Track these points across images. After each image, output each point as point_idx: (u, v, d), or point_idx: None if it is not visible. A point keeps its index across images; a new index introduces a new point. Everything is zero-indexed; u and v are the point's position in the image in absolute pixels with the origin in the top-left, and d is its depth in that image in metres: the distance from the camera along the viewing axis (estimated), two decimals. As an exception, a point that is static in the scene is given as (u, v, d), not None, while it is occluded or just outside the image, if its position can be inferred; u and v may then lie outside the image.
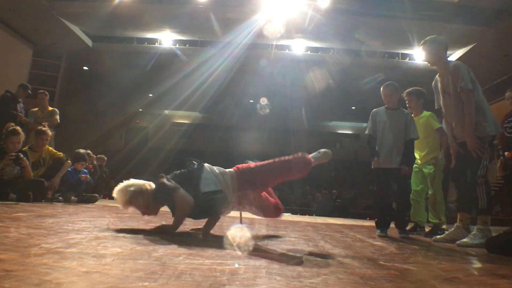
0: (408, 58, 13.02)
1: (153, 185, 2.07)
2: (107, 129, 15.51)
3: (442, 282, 1.22)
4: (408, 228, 3.20)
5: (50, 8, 10.57)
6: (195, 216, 2.15)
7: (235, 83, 13.86)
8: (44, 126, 4.43)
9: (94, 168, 6.15)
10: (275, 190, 2.50)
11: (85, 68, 15.19)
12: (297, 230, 3.03)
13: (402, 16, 10.05)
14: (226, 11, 10.82)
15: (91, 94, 14.69)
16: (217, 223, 2.27)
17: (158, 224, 2.50)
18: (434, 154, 3.65)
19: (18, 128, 3.89)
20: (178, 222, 2.04)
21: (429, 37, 2.92)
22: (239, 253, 1.48)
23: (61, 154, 4.38)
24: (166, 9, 11.08)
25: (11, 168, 3.70)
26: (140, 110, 18.28)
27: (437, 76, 2.95)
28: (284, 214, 2.48)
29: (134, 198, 1.98)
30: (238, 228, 2.42)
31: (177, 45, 13.17)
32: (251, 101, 16.99)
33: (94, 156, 6.41)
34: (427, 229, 3.60)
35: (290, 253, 1.62)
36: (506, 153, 3.73)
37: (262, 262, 1.30)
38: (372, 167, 3.22)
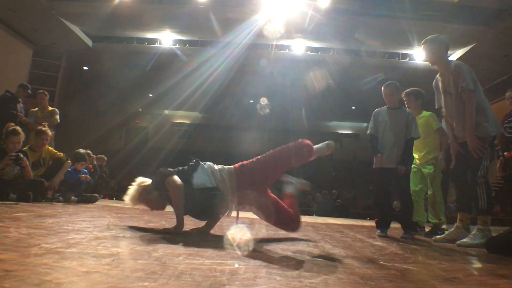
0: (408, 58, 13.03)
1: None
2: (107, 129, 15.51)
3: (442, 282, 1.22)
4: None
5: (50, 8, 10.57)
6: (196, 215, 2.15)
7: (235, 83, 13.86)
8: (44, 126, 4.43)
9: (94, 168, 6.15)
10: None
11: (85, 68, 15.20)
12: (297, 230, 3.02)
13: (402, 16, 10.04)
14: (226, 11, 10.82)
15: (91, 94, 14.69)
16: (217, 223, 2.27)
17: (158, 224, 2.50)
18: (434, 154, 3.65)
19: (18, 128, 3.89)
20: (178, 215, 2.03)
21: (429, 36, 2.91)
22: (239, 253, 1.48)
23: (61, 154, 4.38)
24: (166, 9, 11.09)
25: (11, 168, 3.70)
26: (140, 110, 18.29)
27: (437, 75, 2.94)
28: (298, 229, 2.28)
29: (139, 196, 2.10)
30: (238, 228, 2.42)
31: (177, 45, 13.17)
32: (251, 101, 17.00)
33: (94, 156, 6.41)
34: (427, 229, 3.60)
35: (290, 253, 1.61)
36: (505, 153, 3.73)
37: (262, 262, 1.30)
38: (373, 166, 3.22)
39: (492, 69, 10.97)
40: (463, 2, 9.70)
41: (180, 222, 2.02)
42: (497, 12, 9.68)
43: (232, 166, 2.18)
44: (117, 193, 9.24)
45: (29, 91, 5.84)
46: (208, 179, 2.05)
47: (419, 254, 1.99)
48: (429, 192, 3.62)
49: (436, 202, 3.59)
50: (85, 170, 4.94)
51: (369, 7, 10.36)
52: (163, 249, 1.42)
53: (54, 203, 3.91)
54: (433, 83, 3.00)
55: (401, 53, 13.01)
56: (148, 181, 2.17)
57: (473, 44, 10.82)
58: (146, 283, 0.88)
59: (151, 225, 2.39)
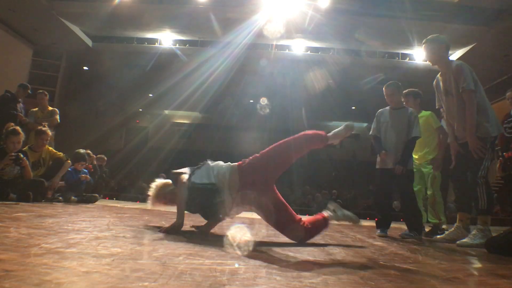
0: (408, 58, 13.02)
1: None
2: (107, 129, 15.50)
3: (442, 282, 1.22)
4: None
5: (50, 8, 10.57)
6: (202, 214, 2.17)
7: (235, 83, 13.85)
8: (44, 126, 4.43)
9: (94, 168, 6.15)
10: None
11: (85, 68, 15.19)
12: (297, 230, 3.02)
13: (402, 16, 10.04)
14: (226, 11, 10.82)
15: (91, 94, 14.68)
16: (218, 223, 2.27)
17: (158, 224, 2.50)
18: (434, 154, 3.65)
19: (18, 128, 3.89)
20: (178, 212, 2.05)
21: (430, 36, 2.90)
22: (239, 253, 1.48)
23: (61, 154, 4.38)
24: (166, 9, 11.08)
25: (11, 168, 3.70)
26: (140, 110, 18.28)
27: (438, 75, 2.93)
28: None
29: (159, 191, 2.25)
30: (238, 228, 2.42)
31: (177, 45, 13.17)
32: (251, 101, 16.99)
33: (94, 156, 6.42)
34: (427, 229, 3.60)
35: (290, 253, 1.61)
36: (504, 154, 3.74)
37: (262, 262, 1.30)
38: (376, 166, 3.22)
39: (492, 69, 10.96)
40: (463, 2, 9.69)
41: (178, 219, 2.03)
42: (497, 12, 9.67)
43: (235, 164, 2.16)
44: (117, 193, 9.25)
45: (29, 91, 5.84)
46: (207, 176, 2.05)
47: (419, 254, 1.99)
48: (429, 192, 3.61)
49: (436, 202, 3.59)
50: (85, 170, 4.94)
51: (369, 7, 10.35)
52: (163, 249, 1.42)
53: (54, 203, 3.91)
54: (434, 83, 2.99)
55: (401, 53, 13.01)
56: (167, 181, 2.30)
57: (473, 44, 10.82)
58: (146, 283, 0.88)
59: (151, 225, 2.39)
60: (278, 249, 1.70)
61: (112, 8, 10.64)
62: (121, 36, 13.14)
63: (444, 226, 3.64)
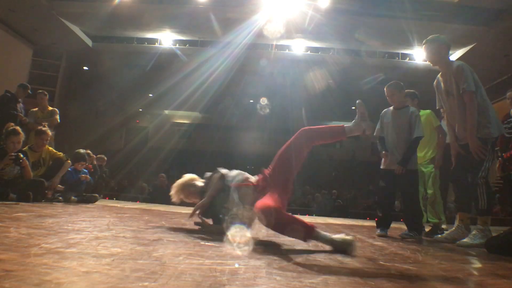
0: (408, 58, 13.02)
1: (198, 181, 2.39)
2: (107, 129, 15.50)
3: (442, 282, 1.22)
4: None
5: (50, 8, 10.56)
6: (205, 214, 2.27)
7: (235, 83, 13.85)
8: (44, 126, 4.43)
9: (94, 168, 6.15)
10: None
11: (85, 68, 15.19)
12: (297, 230, 3.02)
13: (402, 16, 10.03)
14: (226, 11, 10.81)
15: (91, 94, 14.68)
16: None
17: (158, 224, 2.50)
18: (435, 153, 3.65)
19: (18, 128, 3.89)
20: (208, 195, 2.19)
21: (430, 36, 2.89)
22: (239, 253, 1.48)
23: (61, 154, 4.38)
24: (166, 9, 11.08)
25: (11, 168, 3.70)
26: (140, 110, 18.28)
27: (439, 75, 2.91)
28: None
29: (184, 185, 2.39)
30: (238, 228, 2.42)
31: (177, 45, 13.17)
32: (251, 101, 16.99)
33: (94, 156, 6.42)
34: (427, 229, 3.60)
35: (290, 253, 1.61)
36: (503, 154, 3.74)
37: (262, 262, 1.30)
38: (381, 166, 3.23)
39: (492, 69, 10.96)
40: (463, 2, 9.69)
41: (207, 198, 2.18)
42: (497, 12, 9.67)
43: (252, 183, 2.13)
44: (117, 193, 9.25)
45: (29, 91, 5.84)
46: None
47: (419, 254, 1.99)
48: (430, 192, 3.61)
49: (436, 202, 3.59)
50: (85, 170, 4.94)
51: (369, 7, 10.35)
52: (163, 249, 1.42)
53: (54, 203, 3.91)
54: (434, 83, 2.98)
55: (401, 53, 13.00)
56: (194, 176, 2.43)
57: (473, 44, 10.81)
58: (146, 283, 0.88)
59: (151, 225, 2.39)
60: (278, 249, 1.70)
61: (112, 8, 10.63)
62: (121, 36, 13.14)
63: (444, 226, 3.64)
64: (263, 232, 2.58)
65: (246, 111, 17.18)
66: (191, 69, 12.70)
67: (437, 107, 3.05)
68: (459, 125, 2.76)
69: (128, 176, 13.15)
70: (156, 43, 13.26)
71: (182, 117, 19.39)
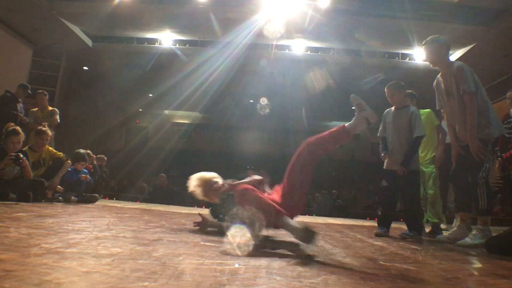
0: (408, 58, 13.02)
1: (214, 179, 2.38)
2: (107, 129, 15.51)
3: (442, 282, 1.22)
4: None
5: (50, 8, 10.57)
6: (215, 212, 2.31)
7: (235, 83, 13.86)
8: (44, 126, 4.43)
9: (94, 168, 6.14)
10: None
11: (85, 68, 15.20)
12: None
13: (402, 16, 10.04)
14: (226, 11, 10.82)
15: (91, 94, 14.69)
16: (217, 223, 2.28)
17: (158, 224, 2.50)
18: (434, 153, 3.65)
19: (18, 128, 3.88)
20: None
21: (430, 37, 2.89)
22: (239, 253, 1.48)
23: (61, 154, 4.38)
24: (166, 9, 11.08)
25: (11, 168, 3.70)
26: (140, 110, 18.28)
27: (439, 75, 2.91)
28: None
29: (208, 180, 2.34)
30: (238, 228, 2.42)
31: (177, 45, 13.17)
32: (251, 101, 17.00)
33: (94, 156, 6.41)
34: (427, 229, 3.60)
35: (290, 253, 1.61)
36: (503, 154, 3.74)
37: (262, 262, 1.30)
38: (384, 167, 3.25)
39: (492, 69, 10.96)
40: (463, 2, 9.69)
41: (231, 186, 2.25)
42: (497, 12, 9.67)
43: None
44: (117, 193, 9.25)
45: (29, 91, 5.84)
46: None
47: (419, 254, 1.99)
48: (431, 192, 3.60)
49: (436, 202, 3.59)
50: (85, 170, 4.94)
51: (369, 7, 10.35)
52: (163, 249, 1.42)
53: (54, 203, 3.91)
54: (434, 83, 2.97)
55: (401, 53, 13.01)
56: (214, 174, 2.40)
57: (473, 44, 10.82)
58: (146, 283, 0.88)
59: (151, 225, 2.39)
60: (278, 249, 1.70)
61: (112, 8, 10.64)
62: (121, 36, 13.15)
63: (443, 226, 3.64)
64: (263, 232, 2.58)
65: (246, 111, 17.18)
66: (191, 69, 12.71)
67: (437, 108, 3.05)
68: (459, 125, 2.75)
69: (128, 176, 13.15)
70: (156, 43, 13.26)
71: (182, 117, 19.40)
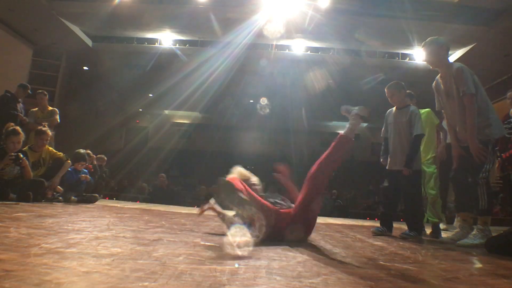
0: (408, 58, 13.02)
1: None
2: (107, 129, 15.50)
3: (442, 282, 1.22)
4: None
5: (50, 8, 10.57)
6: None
7: (235, 83, 13.86)
8: (44, 126, 4.43)
9: (94, 168, 6.15)
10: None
11: (85, 68, 15.20)
12: (297, 230, 3.02)
13: (402, 16, 10.03)
14: (226, 11, 10.82)
15: (91, 94, 14.68)
16: (217, 223, 2.27)
17: (158, 224, 2.50)
18: (435, 153, 3.65)
19: (18, 128, 3.88)
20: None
21: (429, 38, 2.88)
22: (239, 253, 1.48)
23: (61, 154, 4.38)
24: (166, 9, 11.08)
25: (11, 168, 3.70)
26: (140, 110, 18.28)
27: (438, 77, 2.91)
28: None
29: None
30: (238, 228, 2.42)
31: (177, 45, 13.17)
32: (251, 101, 16.99)
33: (94, 156, 6.41)
34: (428, 230, 3.59)
35: (290, 253, 1.61)
36: (502, 154, 3.73)
37: (262, 262, 1.30)
38: (386, 167, 3.26)
39: (492, 69, 10.95)
40: (463, 2, 9.69)
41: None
42: (497, 12, 9.67)
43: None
44: (117, 193, 9.25)
45: (29, 91, 5.84)
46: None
47: (419, 254, 1.99)
48: (432, 192, 3.60)
49: (437, 202, 3.59)
50: (85, 170, 4.94)
51: (369, 7, 10.35)
52: (163, 249, 1.42)
53: (54, 203, 3.91)
54: (433, 84, 2.96)
55: (401, 53, 13.00)
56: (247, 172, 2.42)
57: (473, 44, 10.82)
58: (146, 283, 0.88)
59: (151, 225, 2.39)
60: (278, 249, 1.70)
61: (112, 8, 10.63)
62: (121, 36, 13.14)
63: (443, 226, 3.64)
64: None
65: (246, 111, 17.17)
66: (191, 69, 12.71)
67: (436, 109, 3.05)
68: (459, 126, 2.75)
69: (128, 176, 13.15)
70: (156, 43, 13.26)
71: (182, 117, 19.40)
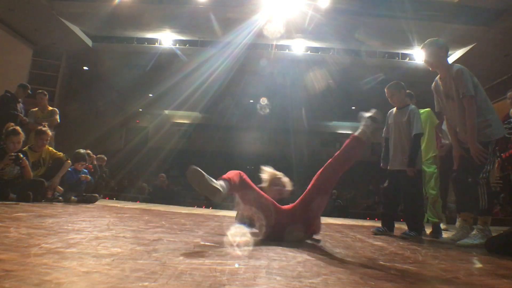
0: (408, 58, 13.02)
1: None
2: (107, 129, 15.51)
3: (442, 282, 1.22)
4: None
5: (50, 8, 10.56)
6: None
7: (235, 83, 13.85)
8: (44, 126, 4.43)
9: (94, 168, 6.15)
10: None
11: (85, 68, 15.19)
12: (297, 230, 3.02)
13: (402, 16, 10.03)
14: (226, 11, 10.81)
15: (91, 94, 14.68)
16: (217, 223, 2.27)
17: (158, 224, 2.50)
18: (435, 153, 3.65)
19: (18, 128, 3.89)
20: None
21: (428, 40, 2.88)
22: (239, 253, 1.48)
23: (61, 154, 4.38)
24: (166, 9, 11.08)
25: (11, 168, 3.70)
26: (140, 110, 18.28)
27: (437, 78, 2.91)
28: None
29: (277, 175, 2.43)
30: (238, 228, 2.42)
31: (177, 45, 13.17)
32: (251, 101, 16.99)
33: (94, 156, 6.42)
34: (429, 230, 3.59)
35: (290, 253, 1.61)
36: (502, 154, 3.73)
37: (262, 262, 1.30)
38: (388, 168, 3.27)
39: (492, 69, 10.96)
40: (463, 2, 9.68)
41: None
42: (497, 12, 9.66)
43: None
44: (117, 193, 9.26)
45: (29, 91, 5.84)
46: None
47: (419, 254, 1.99)
48: (432, 192, 3.60)
49: (437, 202, 3.59)
50: (85, 170, 4.94)
51: (369, 7, 10.35)
52: (163, 249, 1.42)
53: (54, 203, 3.91)
54: (433, 85, 2.96)
55: (401, 53, 13.00)
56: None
57: (473, 44, 10.81)
58: (146, 283, 0.88)
59: (151, 225, 2.39)
60: (278, 249, 1.70)
61: (112, 8, 10.63)
62: (121, 36, 13.14)
63: (443, 226, 3.63)
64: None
65: (246, 111, 17.18)
66: (191, 69, 12.70)
67: (436, 110, 3.05)
68: (460, 128, 2.75)
69: (128, 176, 13.15)
70: (156, 43, 13.26)
71: (182, 117, 19.40)
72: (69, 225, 1.99)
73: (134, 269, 1.02)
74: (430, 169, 3.62)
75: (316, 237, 2.28)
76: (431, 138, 3.71)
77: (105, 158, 7.49)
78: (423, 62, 2.91)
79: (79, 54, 13.45)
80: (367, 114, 2.30)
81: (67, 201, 4.29)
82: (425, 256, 1.94)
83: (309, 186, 2.19)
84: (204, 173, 1.77)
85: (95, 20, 11.24)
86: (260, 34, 11.32)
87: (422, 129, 3.14)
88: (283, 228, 2.03)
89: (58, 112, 5.76)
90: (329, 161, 2.22)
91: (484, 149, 2.56)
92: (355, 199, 13.41)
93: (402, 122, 3.16)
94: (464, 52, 11.22)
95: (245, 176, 2.09)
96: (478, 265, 1.78)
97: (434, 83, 2.94)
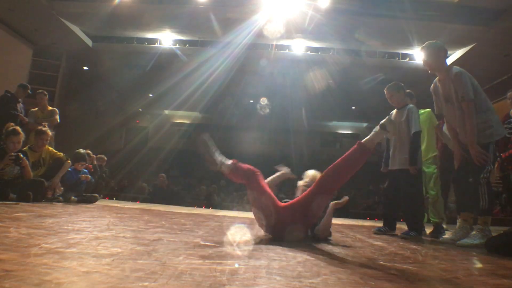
0: (408, 58, 13.01)
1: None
2: (107, 129, 15.50)
3: (442, 282, 1.22)
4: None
5: (50, 8, 10.56)
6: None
7: (235, 83, 13.85)
8: (44, 126, 4.43)
9: (94, 168, 6.15)
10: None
11: (85, 68, 15.19)
12: (297, 230, 3.02)
13: (402, 16, 10.02)
14: (226, 11, 10.81)
15: (91, 94, 14.68)
16: (217, 223, 2.27)
17: (158, 224, 2.50)
18: (435, 153, 3.65)
19: (18, 128, 3.89)
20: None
21: (427, 42, 2.88)
22: (239, 253, 1.48)
23: (61, 154, 4.38)
24: (166, 9, 11.08)
25: (11, 168, 3.70)
26: (140, 110, 18.28)
27: (436, 80, 2.90)
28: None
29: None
30: (238, 228, 2.42)
31: (177, 45, 13.16)
32: (251, 101, 16.99)
33: (94, 156, 6.41)
34: (429, 230, 3.59)
35: (290, 253, 1.61)
36: (501, 154, 3.73)
37: (262, 262, 1.30)
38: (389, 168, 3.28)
39: (492, 69, 10.95)
40: (463, 2, 9.68)
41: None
42: (497, 12, 9.66)
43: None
44: (117, 193, 9.26)
45: (29, 91, 5.84)
46: None
47: (419, 254, 1.99)
48: (432, 193, 3.60)
49: (438, 202, 3.59)
50: (85, 170, 4.94)
51: (369, 7, 10.34)
52: (163, 249, 1.42)
53: (54, 203, 3.91)
54: (431, 87, 2.96)
55: (401, 53, 13.00)
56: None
57: (473, 44, 10.81)
58: (146, 283, 0.88)
59: (151, 225, 2.39)
60: (278, 249, 1.70)
61: (112, 8, 10.63)
62: (121, 36, 13.13)
63: (445, 226, 3.63)
64: (263, 232, 2.58)
65: (246, 111, 17.18)
66: (191, 69, 12.70)
67: (435, 112, 3.05)
68: (460, 130, 2.76)
69: (128, 176, 13.14)
70: (156, 43, 13.25)
71: (182, 117, 19.40)
72: (69, 225, 1.99)
73: (134, 269, 1.02)
74: (429, 169, 3.62)
75: (327, 237, 2.32)
76: (431, 138, 3.71)
77: (105, 158, 7.49)
78: (422, 59, 2.90)
79: (79, 54, 13.44)
80: (378, 125, 2.30)
81: (67, 201, 4.29)
82: (425, 256, 1.94)
83: (312, 186, 2.19)
84: (211, 145, 2.16)
85: (95, 20, 11.24)
86: (260, 34, 11.32)
87: (421, 127, 3.15)
88: (283, 228, 2.03)
89: (58, 112, 5.76)
90: (333, 163, 2.22)
91: (484, 151, 2.56)
92: (355, 199, 13.39)
93: (401, 122, 3.17)
94: (464, 52, 11.21)
95: (258, 174, 2.15)
96: (478, 265, 1.78)
97: (433, 85, 2.94)
